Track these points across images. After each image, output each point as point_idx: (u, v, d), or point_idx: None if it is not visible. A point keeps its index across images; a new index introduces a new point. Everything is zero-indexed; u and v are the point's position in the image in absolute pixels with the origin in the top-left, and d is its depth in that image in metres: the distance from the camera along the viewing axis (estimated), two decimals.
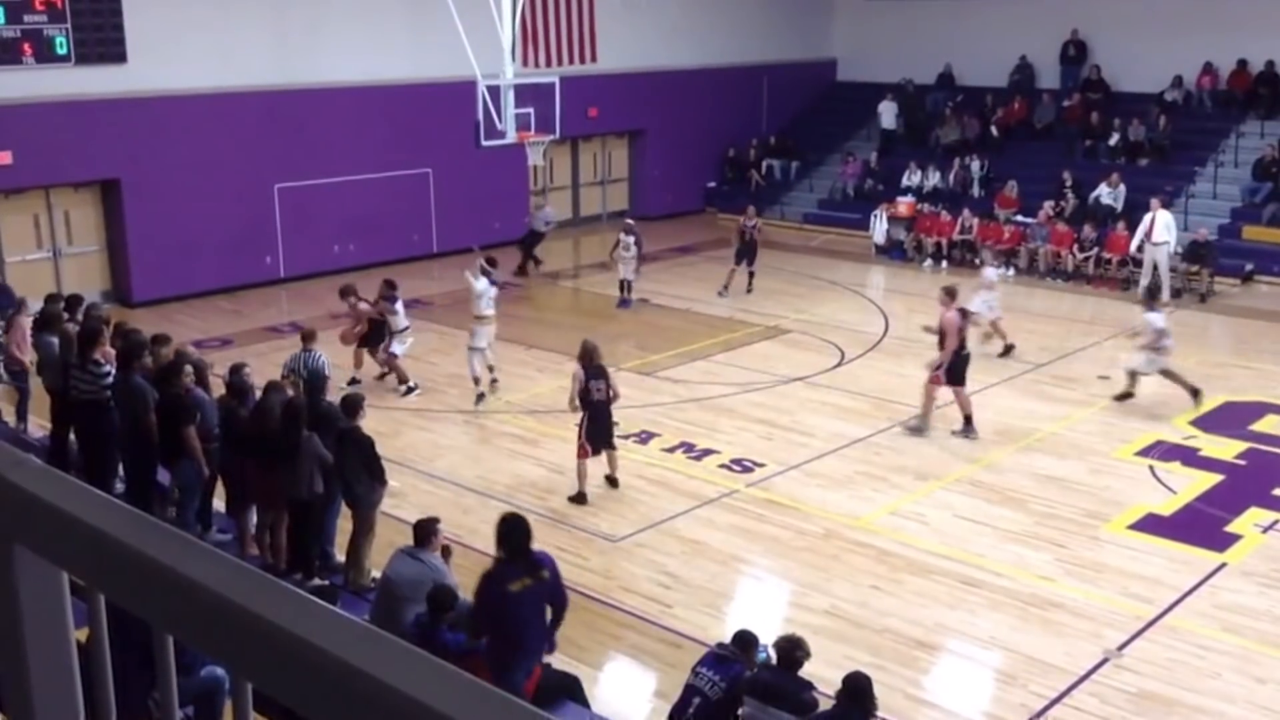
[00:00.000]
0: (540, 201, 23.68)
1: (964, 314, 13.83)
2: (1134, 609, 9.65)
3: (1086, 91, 25.61)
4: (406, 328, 15.07)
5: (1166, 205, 20.60)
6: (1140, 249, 20.28)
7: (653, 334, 17.90)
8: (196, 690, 5.81)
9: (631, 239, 19.14)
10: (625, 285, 19.52)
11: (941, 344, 13.50)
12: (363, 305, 14.90)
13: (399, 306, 14.98)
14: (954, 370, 13.46)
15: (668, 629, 9.34)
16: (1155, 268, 19.98)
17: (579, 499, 11.71)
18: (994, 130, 25.83)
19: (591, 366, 11.67)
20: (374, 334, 15.10)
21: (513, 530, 7.08)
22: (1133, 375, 14.51)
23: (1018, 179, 23.63)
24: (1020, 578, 10.17)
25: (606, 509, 11.62)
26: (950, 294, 13.73)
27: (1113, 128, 24.35)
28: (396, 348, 14.95)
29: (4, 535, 1.21)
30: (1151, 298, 15.14)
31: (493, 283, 14.74)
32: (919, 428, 13.57)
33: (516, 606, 6.92)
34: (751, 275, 20.09)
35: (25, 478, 1.19)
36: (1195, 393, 14.32)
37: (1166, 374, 14.35)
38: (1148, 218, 20.06)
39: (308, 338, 12.38)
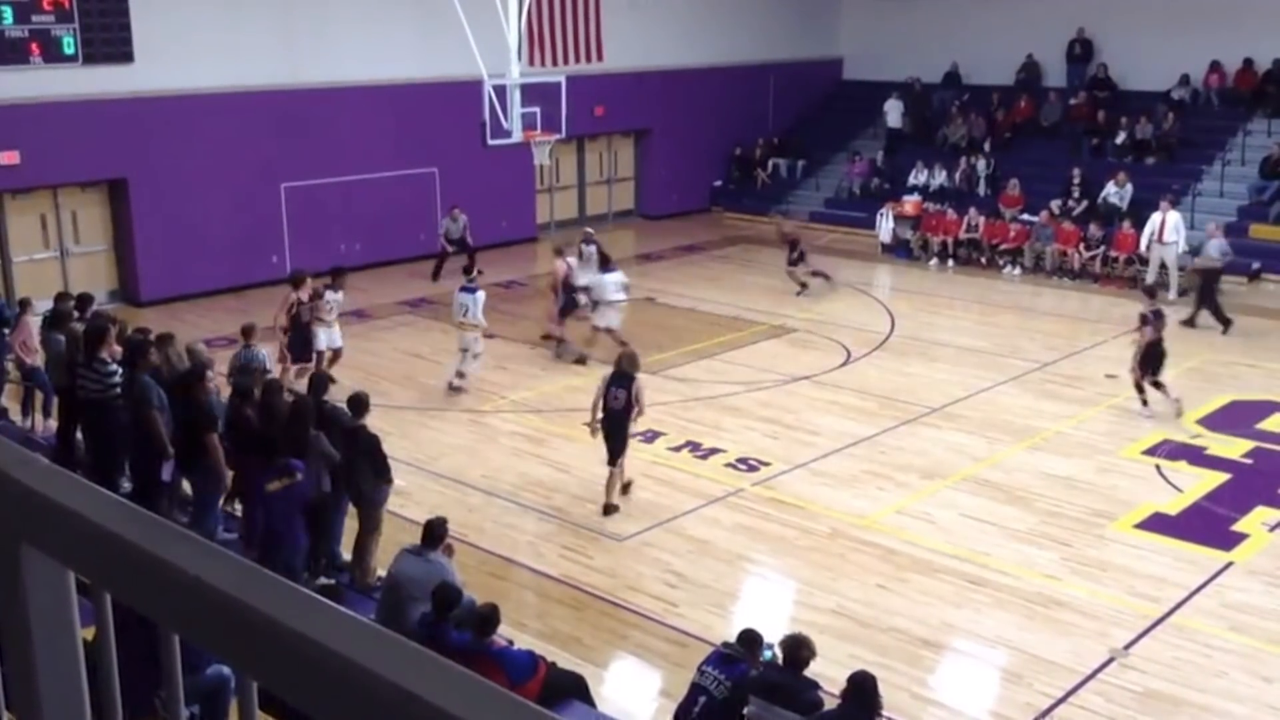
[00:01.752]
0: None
1: (1157, 314, 14.15)
2: (1140, 608, 9.64)
3: (1093, 90, 25.57)
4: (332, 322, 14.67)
5: (1175, 205, 20.52)
6: (1148, 248, 20.24)
7: (658, 333, 17.89)
8: (202, 689, 5.82)
9: (592, 249, 17.80)
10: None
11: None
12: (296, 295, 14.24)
13: (333, 298, 14.69)
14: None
15: (673, 628, 9.35)
16: (1163, 266, 19.94)
17: (606, 509, 11.43)
18: (1000, 128, 25.81)
19: (616, 374, 11.39)
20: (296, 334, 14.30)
21: None
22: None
23: (1024, 177, 23.61)
24: (1026, 577, 10.16)
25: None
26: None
27: (1119, 126, 24.31)
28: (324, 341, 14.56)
29: (11, 534, 1.21)
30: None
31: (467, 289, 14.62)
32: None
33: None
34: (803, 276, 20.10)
35: (32, 477, 1.20)
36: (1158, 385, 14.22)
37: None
38: (1156, 217, 20.01)
39: (248, 333, 12.17)
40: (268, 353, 12.43)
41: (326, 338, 14.67)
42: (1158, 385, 14.16)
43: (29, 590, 1.21)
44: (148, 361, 10.12)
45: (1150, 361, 14.04)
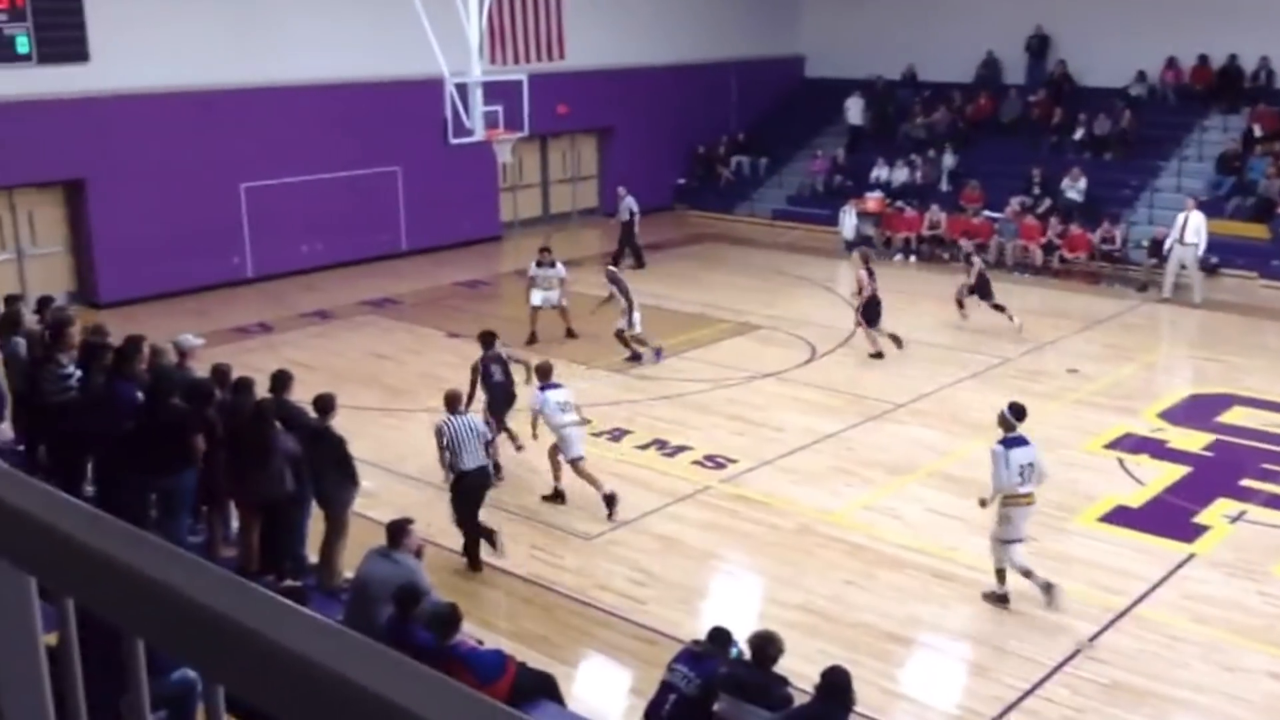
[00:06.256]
0: (621, 192, 23.17)
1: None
2: (1104, 600, 9.74)
3: (1052, 86, 25.81)
4: None
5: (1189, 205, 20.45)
6: (1169, 250, 19.90)
7: None
8: (169, 693, 5.76)
9: (554, 272, 17.05)
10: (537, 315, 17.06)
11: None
12: None
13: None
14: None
15: (643, 626, 9.35)
16: (1183, 267, 19.71)
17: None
18: (961, 124, 26.01)
19: (488, 354, 12.23)
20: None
21: None
22: None
23: (985, 174, 23.81)
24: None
25: (581, 507, 11.60)
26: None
27: (1077, 122, 24.54)
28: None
29: None
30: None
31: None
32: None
33: None
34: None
35: None
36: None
37: None
38: (1180, 218, 19.98)
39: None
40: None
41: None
42: (999, 308, 16.85)
43: None
44: (131, 367, 9.94)
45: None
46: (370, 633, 6.68)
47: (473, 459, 10.17)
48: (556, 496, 11.69)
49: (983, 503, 9.73)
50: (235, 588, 0.99)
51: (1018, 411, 9.85)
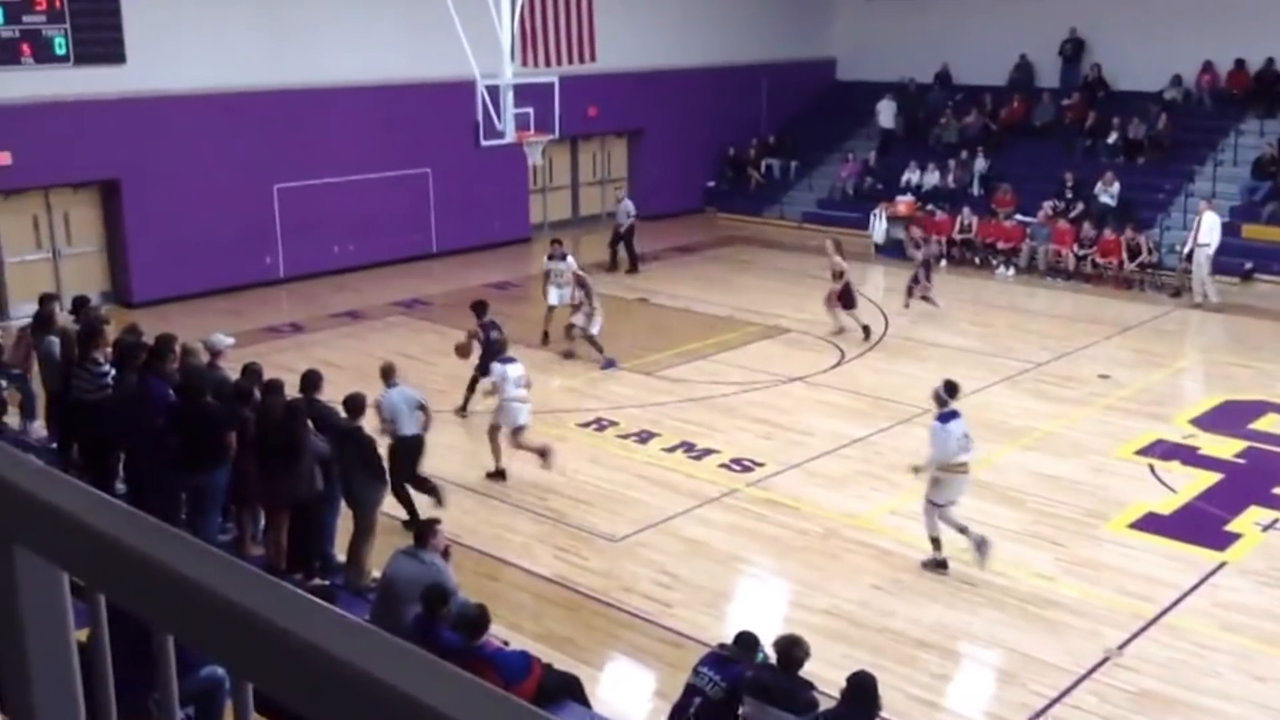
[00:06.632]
0: (619, 194, 23.32)
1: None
2: (1134, 608, 9.65)
3: (1086, 90, 25.62)
4: None
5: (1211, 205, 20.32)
6: (1189, 252, 19.79)
7: (652, 333, 17.90)
8: (196, 690, 5.81)
9: (565, 264, 17.04)
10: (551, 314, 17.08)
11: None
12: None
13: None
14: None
15: (668, 629, 9.34)
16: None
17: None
18: (993, 127, 25.87)
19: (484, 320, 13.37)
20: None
21: None
22: None
23: (1017, 177, 23.66)
24: (1020, 577, 10.17)
25: (606, 509, 11.62)
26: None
27: (1112, 126, 24.35)
28: None
29: (4, 536, 1.21)
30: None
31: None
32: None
33: None
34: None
35: (25, 478, 1.19)
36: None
37: None
38: (1197, 220, 19.87)
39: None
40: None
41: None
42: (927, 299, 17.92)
43: (22, 592, 1.21)
44: (164, 366, 10.03)
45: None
46: (396, 632, 6.68)
47: (409, 426, 10.61)
48: (499, 475, 12.18)
49: (916, 470, 10.46)
50: (266, 585, 1.00)
51: (951, 389, 10.60)
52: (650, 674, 8.88)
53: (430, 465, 12.64)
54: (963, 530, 10.12)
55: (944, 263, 22.72)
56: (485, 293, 16.98)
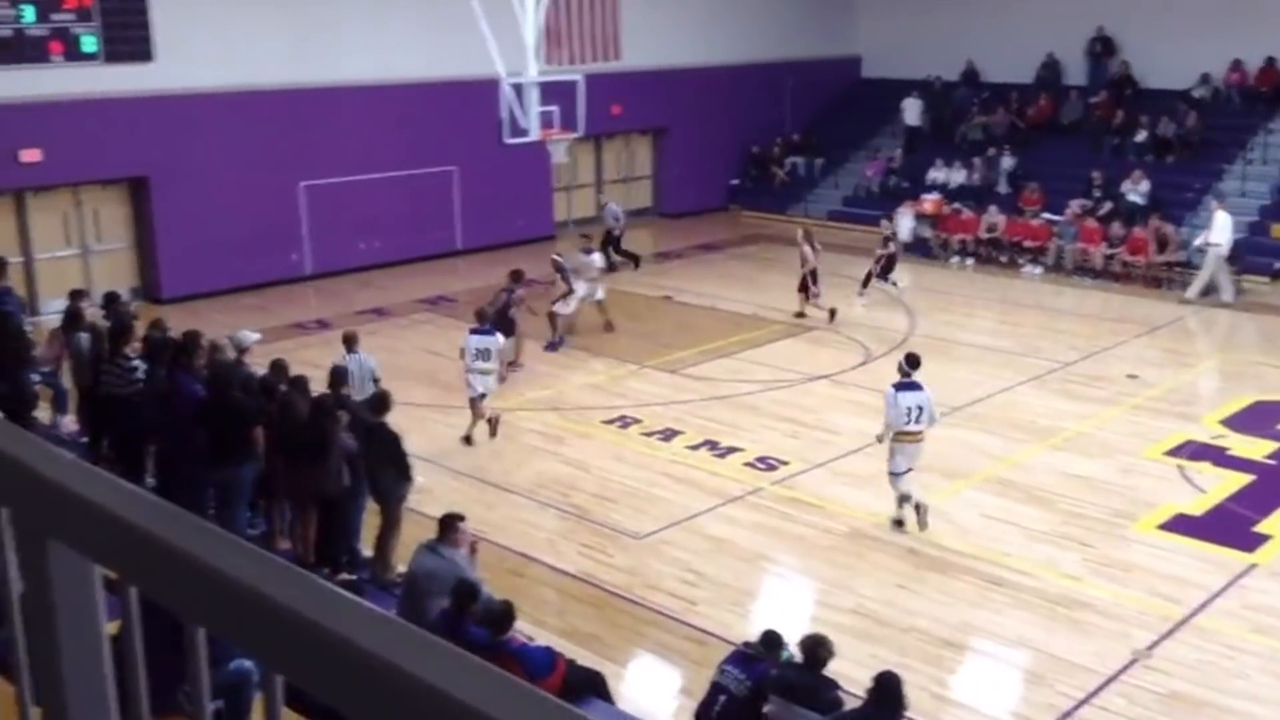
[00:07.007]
0: (603, 200, 23.49)
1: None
2: (1163, 609, 9.58)
3: (1114, 88, 25.42)
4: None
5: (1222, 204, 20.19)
6: (1201, 249, 19.80)
7: (677, 331, 17.89)
8: (225, 683, 5.84)
9: (593, 258, 17.67)
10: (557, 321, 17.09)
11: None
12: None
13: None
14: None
15: (693, 626, 9.34)
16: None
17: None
18: (1020, 125, 25.71)
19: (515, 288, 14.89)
20: None
21: None
22: None
23: (1044, 176, 23.51)
24: (1048, 577, 10.11)
25: (631, 506, 11.62)
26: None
27: (1140, 124, 24.16)
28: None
29: (38, 530, 1.22)
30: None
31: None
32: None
33: None
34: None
35: (58, 472, 1.20)
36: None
37: None
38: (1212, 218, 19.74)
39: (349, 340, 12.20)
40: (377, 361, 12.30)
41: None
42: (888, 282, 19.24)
43: (55, 585, 1.22)
44: (192, 362, 10.10)
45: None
46: (420, 626, 6.71)
47: (361, 392, 11.08)
48: (467, 440, 13.16)
49: (879, 439, 11.04)
50: (297, 578, 1.00)
51: (912, 361, 11.18)
52: (675, 671, 8.87)
53: (456, 459, 12.72)
54: (905, 499, 10.88)
55: (970, 261, 22.62)
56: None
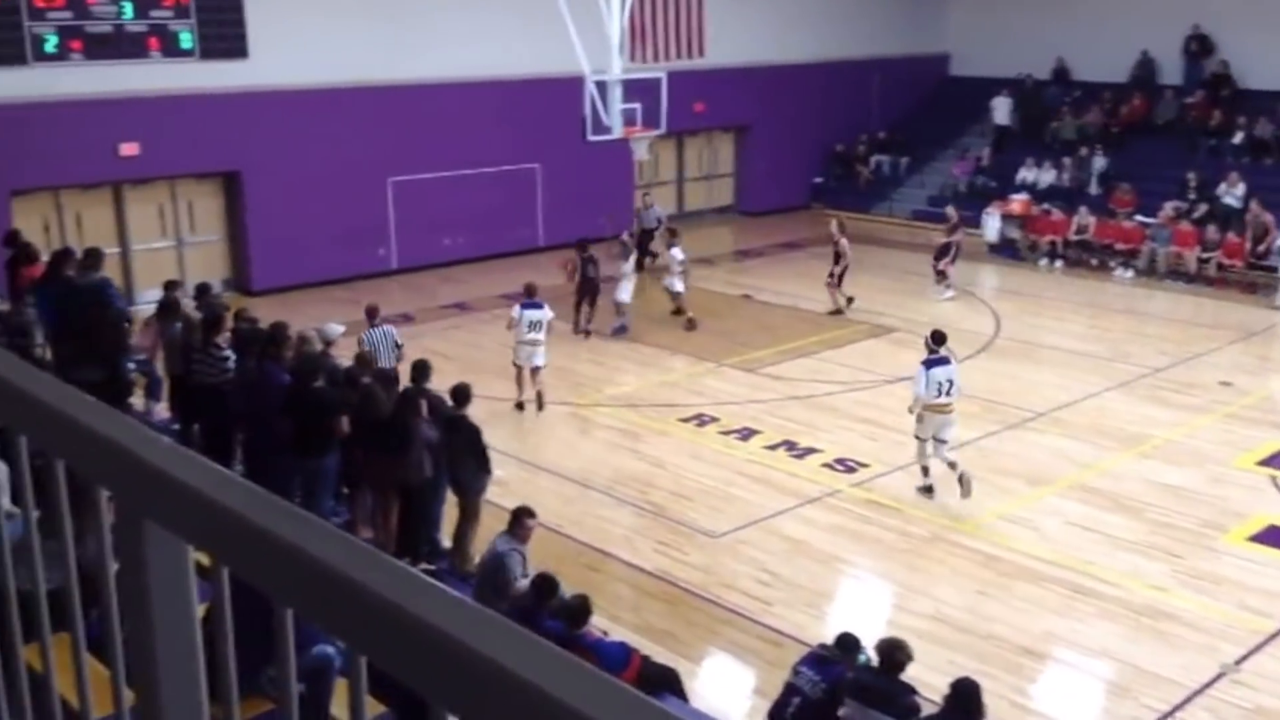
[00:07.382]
0: (649, 200, 23.67)
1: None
2: (1252, 623, 9.32)
3: (1210, 88, 24.75)
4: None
5: None
6: None
7: (756, 330, 17.82)
8: (307, 669, 5.95)
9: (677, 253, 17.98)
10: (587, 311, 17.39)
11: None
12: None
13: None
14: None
15: (767, 627, 9.30)
16: None
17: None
18: (1112, 125, 25.15)
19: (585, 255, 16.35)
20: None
21: None
22: None
23: (1137, 177, 22.96)
24: (1133, 587, 9.89)
25: (707, 505, 11.61)
26: None
27: (1237, 125, 23.49)
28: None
29: (135, 510, 1.25)
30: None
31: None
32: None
33: None
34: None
35: (156, 455, 1.23)
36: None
37: None
38: None
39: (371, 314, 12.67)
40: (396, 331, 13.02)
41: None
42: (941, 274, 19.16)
43: (150, 565, 1.25)
44: (280, 352, 10.30)
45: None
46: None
47: (386, 360, 11.58)
48: (519, 407, 13.92)
49: (911, 410, 11.56)
50: (384, 564, 1.02)
51: (938, 338, 11.80)
52: (749, 671, 8.85)
53: (534, 453, 12.82)
54: (925, 471, 11.49)
55: (1059, 263, 22.19)
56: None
